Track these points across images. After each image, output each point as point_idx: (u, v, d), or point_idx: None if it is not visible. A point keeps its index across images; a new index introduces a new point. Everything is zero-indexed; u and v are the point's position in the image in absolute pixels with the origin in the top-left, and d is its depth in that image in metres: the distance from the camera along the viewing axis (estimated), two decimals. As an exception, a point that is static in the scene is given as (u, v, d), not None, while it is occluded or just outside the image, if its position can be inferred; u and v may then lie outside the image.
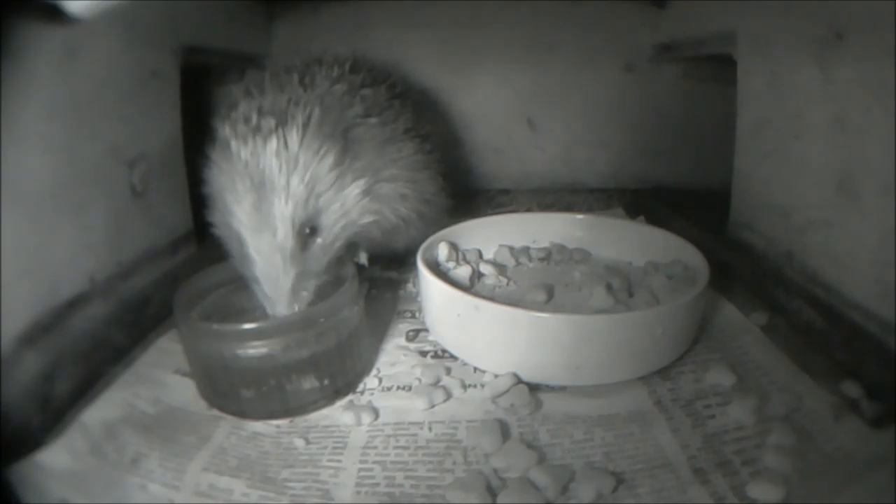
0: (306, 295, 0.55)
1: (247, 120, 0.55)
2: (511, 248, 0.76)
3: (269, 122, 0.54)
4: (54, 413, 0.47)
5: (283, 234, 0.53)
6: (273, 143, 0.53)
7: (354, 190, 0.58)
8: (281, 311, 0.53)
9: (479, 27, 1.01)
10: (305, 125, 0.54)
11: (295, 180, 0.53)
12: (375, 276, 0.74)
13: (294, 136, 0.54)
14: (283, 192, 0.53)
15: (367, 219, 0.61)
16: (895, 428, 0.44)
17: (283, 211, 0.53)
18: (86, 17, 0.49)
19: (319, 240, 0.56)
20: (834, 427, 0.45)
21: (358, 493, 0.42)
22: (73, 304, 0.53)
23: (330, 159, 0.55)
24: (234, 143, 0.54)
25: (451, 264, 0.70)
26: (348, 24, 0.99)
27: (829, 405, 0.47)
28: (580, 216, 0.79)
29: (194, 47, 0.75)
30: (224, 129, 0.55)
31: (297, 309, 0.53)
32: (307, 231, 0.55)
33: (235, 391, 0.50)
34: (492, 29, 1.02)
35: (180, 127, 0.73)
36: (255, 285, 0.55)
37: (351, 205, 0.58)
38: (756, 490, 0.40)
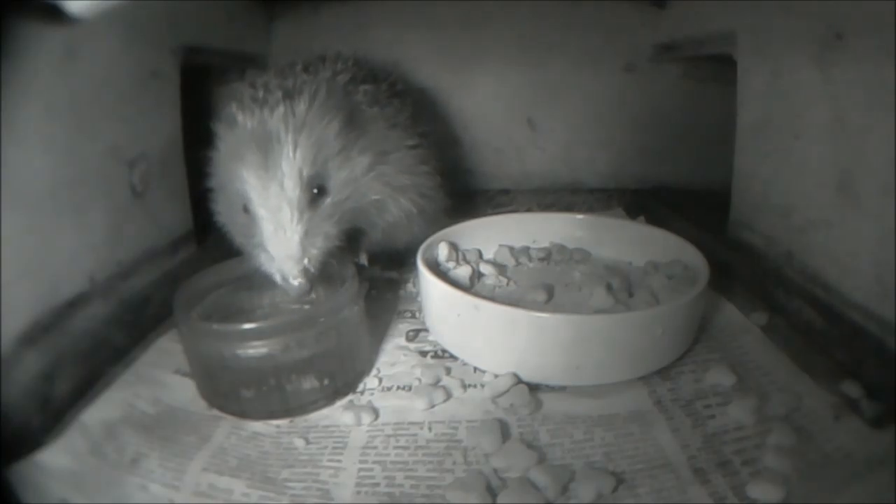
0: (317, 253, 0.53)
1: (253, 98, 0.55)
2: (511, 248, 0.76)
3: (276, 94, 0.54)
4: (54, 413, 0.47)
5: (291, 184, 0.52)
6: (280, 110, 0.53)
7: (361, 162, 0.58)
8: (290, 270, 0.51)
9: (479, 27, 1.01)
10: (312, 98, 0.55)
11: (303, 137, 0.53)
12: (375, 276, 0.74)
13: (301, 106, 0.54)
14: (290, 145, 0.52)
15: (374, 196, 0.61)
16: (895, 428, 0.44)
17: (291, 163, 0.52)
18: (86, 17, 0.49)
19: (329, 199, 0.55)
20: (834, 427, 0.45)
21: (358, 493, 0.42)
22: (73, 304, 0.53)
23: (336, 127, 0.55)
24: (240, 116, 0.54)
25: (451, 264, 0.70)
26: (348, 24, 0.99)
27: (829, 405, 0.47)
28: (580, 216, 0.79)
29: (194, 47, 0.75)
30: (230, 107, 0.55)
31: (308, 265, 0.51)
32: (315, 190, 0.54)
33: (235, 391, 0.50)
34: (492, 29, 1.02)
35: (180, 127, 0.73)
36: (262, 252, 0.53)
37: (359, 174, 0.58)
38: (756, 490, 0.40)
